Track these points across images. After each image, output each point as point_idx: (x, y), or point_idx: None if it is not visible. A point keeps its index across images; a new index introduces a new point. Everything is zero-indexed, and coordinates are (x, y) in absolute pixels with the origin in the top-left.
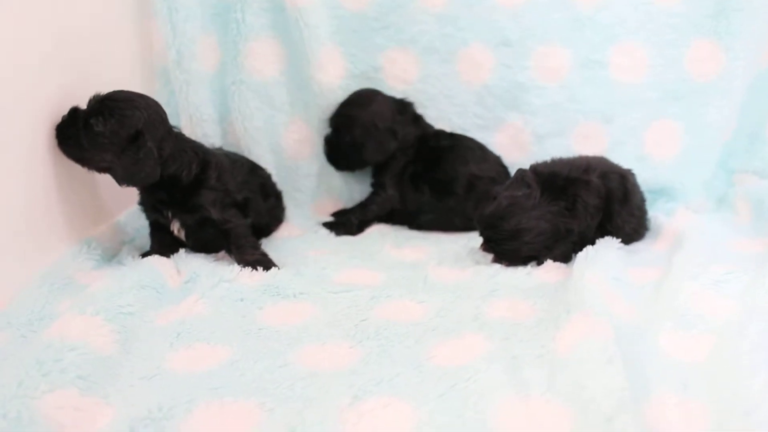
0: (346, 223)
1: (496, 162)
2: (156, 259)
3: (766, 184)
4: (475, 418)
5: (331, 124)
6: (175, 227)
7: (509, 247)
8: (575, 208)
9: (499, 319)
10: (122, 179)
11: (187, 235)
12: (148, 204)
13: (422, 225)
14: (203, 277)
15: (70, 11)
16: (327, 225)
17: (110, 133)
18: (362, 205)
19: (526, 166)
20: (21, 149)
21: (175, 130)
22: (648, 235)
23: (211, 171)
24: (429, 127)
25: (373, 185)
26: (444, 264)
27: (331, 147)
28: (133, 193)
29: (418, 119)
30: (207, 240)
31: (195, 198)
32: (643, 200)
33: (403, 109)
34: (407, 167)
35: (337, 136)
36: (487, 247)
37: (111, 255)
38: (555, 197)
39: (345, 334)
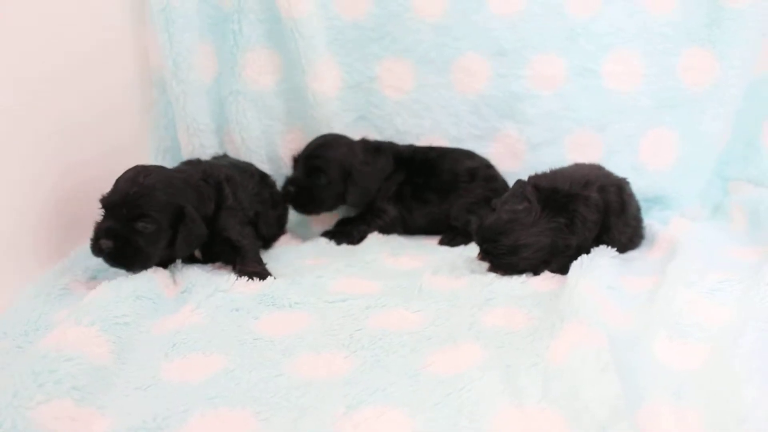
0: (347, 233)
1: (481, 158)
2: (152, 269)
3: (761, 192)
4: (470, 427)
5: (301, 166)
6: (197, 253)
7: (507, 261)
8: (574, 224)
9: (494, 328)
10: (183, 252)
11: (203, 253)
12: None
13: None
14: (199, 286)
15: (68, 23)
16: (327, 234)
17: (160, 226)
18: (366, 223)
19: (521, 175)
20: (20, 159)
21: (178, 168)
22: (643, 243)
23: (225, 189)
24: (395, 145)
25: (370, 208)
26: (440, 273)
27: (300, 190)
28: None
29: (379, 148)
30: (218, 253)
31: (215, 222)
32: (638, 209)
33: (371, 147)
34: (403, 188)
35: (309, 179)
36: (484, 256)
37: (107, 265)
38: (555, 214)
39: (340, 344)
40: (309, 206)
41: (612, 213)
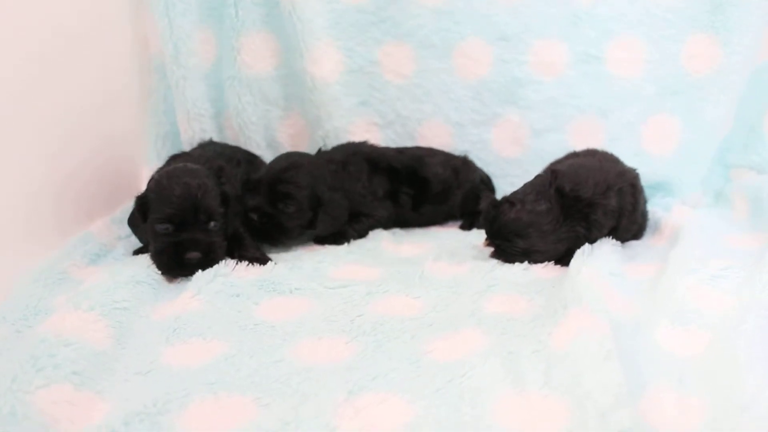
0: (344, 233)
1: (439, 150)
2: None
3: (763, 179)
4: (472, 413)
5: (266, 192)
6: None
7: (519, 260)
8: (591, 231)
9: (496, 315)
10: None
11: None
12: None
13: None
14: (199, 272)
15: (67, 7)
16: (320, 240)
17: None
18: (357, 222)
19: (523, 161)
20: (18, 145)
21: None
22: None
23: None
24: (360, 148)
25: (357, 214)
26: (441, 259)
27: (264, 218)
28: (128, 189)
29: (346, 161)
30: None
31: None
32: (645, 203)
33: (338, 161)
34: (399, 196)
35: (275, 206)
36: (491, 243)
37: (106, 250)
38: (575, 222)
39: (341, 330)
40: (274, 236)
41: (624, 215)
